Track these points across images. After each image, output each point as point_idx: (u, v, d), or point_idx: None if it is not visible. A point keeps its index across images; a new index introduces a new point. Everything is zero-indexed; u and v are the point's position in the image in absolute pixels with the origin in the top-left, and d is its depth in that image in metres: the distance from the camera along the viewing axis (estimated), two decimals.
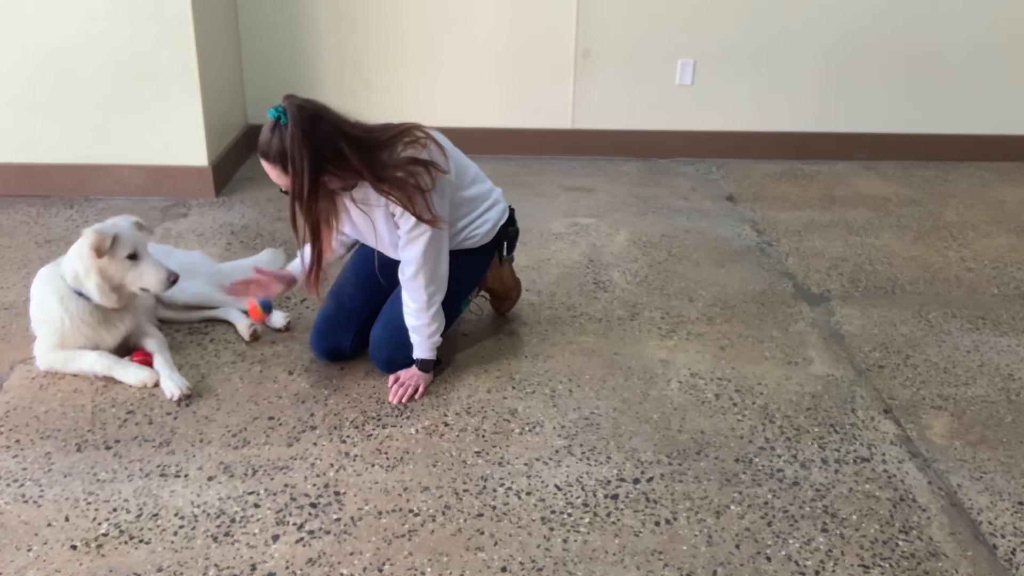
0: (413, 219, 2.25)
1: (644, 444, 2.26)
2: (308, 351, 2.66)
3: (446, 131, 2.45)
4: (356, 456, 2.19)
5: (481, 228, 2.52)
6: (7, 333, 2.75)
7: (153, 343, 2.57)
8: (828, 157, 4.61)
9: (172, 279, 2.48)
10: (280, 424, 2.32)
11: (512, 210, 2.66)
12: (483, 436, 2.28)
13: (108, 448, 2.20)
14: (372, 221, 2.34)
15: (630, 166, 4.49)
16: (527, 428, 2.32)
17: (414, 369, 2.46)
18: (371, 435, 2.27)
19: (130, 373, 2.46)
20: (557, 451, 2.22)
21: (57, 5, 3.61)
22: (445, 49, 4.41)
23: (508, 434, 2.29)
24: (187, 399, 2.40)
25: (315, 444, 2.24)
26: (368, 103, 4.45)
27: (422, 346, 2.43)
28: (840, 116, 4.57)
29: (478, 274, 2.62)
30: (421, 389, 2.45)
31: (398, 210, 2.26)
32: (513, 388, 2.50)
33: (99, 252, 2.37)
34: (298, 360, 2.62)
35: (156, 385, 2.45)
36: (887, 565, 1.87)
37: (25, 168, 3.88)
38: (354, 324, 2.57)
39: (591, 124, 4.57)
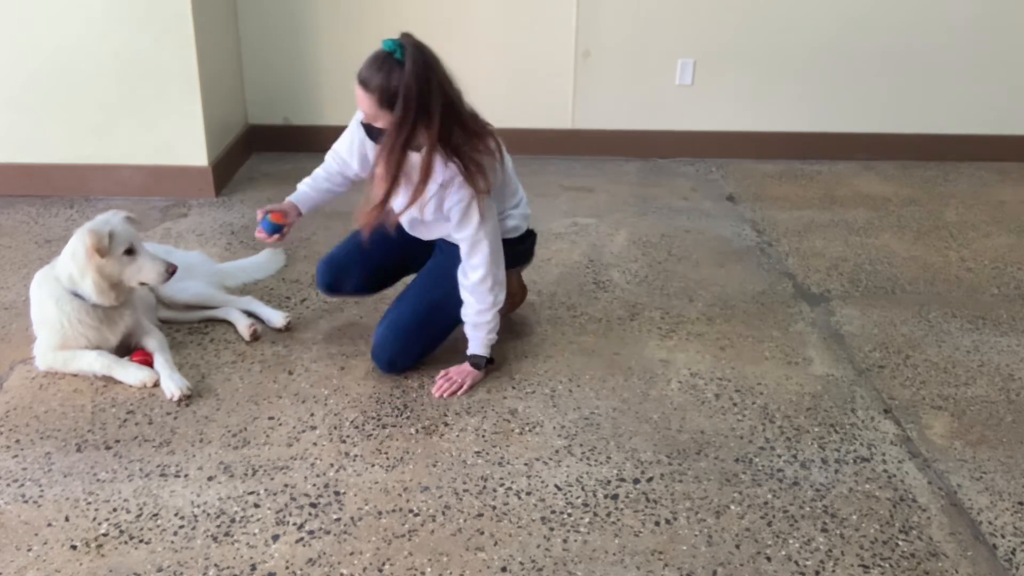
0: (473, 223, 2.28)
1: (644, 444, 2.26)
2: (308, 351, 2.66)
3: None
4: (356, 456, 2.19)
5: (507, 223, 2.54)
6: (7, 333, 2.75)
7: (153, 343, 2.57)
8: (828, 157, 4.61)
9: (170, 271, 2.49)
10: (280, 424, 2.32)
11: (532, 233, 2.69)
12: (483, 436, 2.28)
13: (108, 448, 2.20)
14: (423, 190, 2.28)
15: (630, 166, 4.49)
16: (527, 428, 2.32)
17: (465, 366, 2.48)
18: (371, 435, 2.28)
19: (130, 373, 2.46)
20: (557, 451, 2.22)
21: (57, 5, 3.61)
22: (445, 49, 4.39)
23: (508, 434, 2.29)
24: (187, 399, 2.40)
25: (315, 444, 2.24)
26: None
27: (479, 343, 2.45)
28: (840, 116, 4.57)
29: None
30: (467, 386, 2.46)
31: (455, 209, 2.28)
32: (513, 388, 2.50)
33: (101, 252, 2.37)
34: (298, 360, 2.62)
35: (156, 385, 2.45)
36: (887, 565, 1.87)
37: (25, 168, 3.88)
38: (364, 269, 2.61)
39: (591, 124, 4.57)
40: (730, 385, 2.53)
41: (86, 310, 2.46)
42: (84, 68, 3.71)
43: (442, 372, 2.49)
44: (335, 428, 2.30)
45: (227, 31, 4.22)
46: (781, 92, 4.52)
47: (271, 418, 2.34)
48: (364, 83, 2.14)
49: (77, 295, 2.45)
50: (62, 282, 2.46)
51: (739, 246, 3.52)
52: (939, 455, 2.24)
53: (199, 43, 3.71)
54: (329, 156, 2.60)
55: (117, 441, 2.23)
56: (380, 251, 2.56)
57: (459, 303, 2.46)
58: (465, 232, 2.31)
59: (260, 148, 4.53)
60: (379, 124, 2.19)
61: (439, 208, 2.33)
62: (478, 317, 2.42)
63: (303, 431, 2.29)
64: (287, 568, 1.83)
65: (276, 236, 2.49)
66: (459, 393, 2.44)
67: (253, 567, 1.84)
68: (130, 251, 2.44)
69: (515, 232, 2.58)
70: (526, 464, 2.17)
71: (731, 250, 3.48)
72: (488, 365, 2.51)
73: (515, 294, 2.82)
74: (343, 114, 4.48)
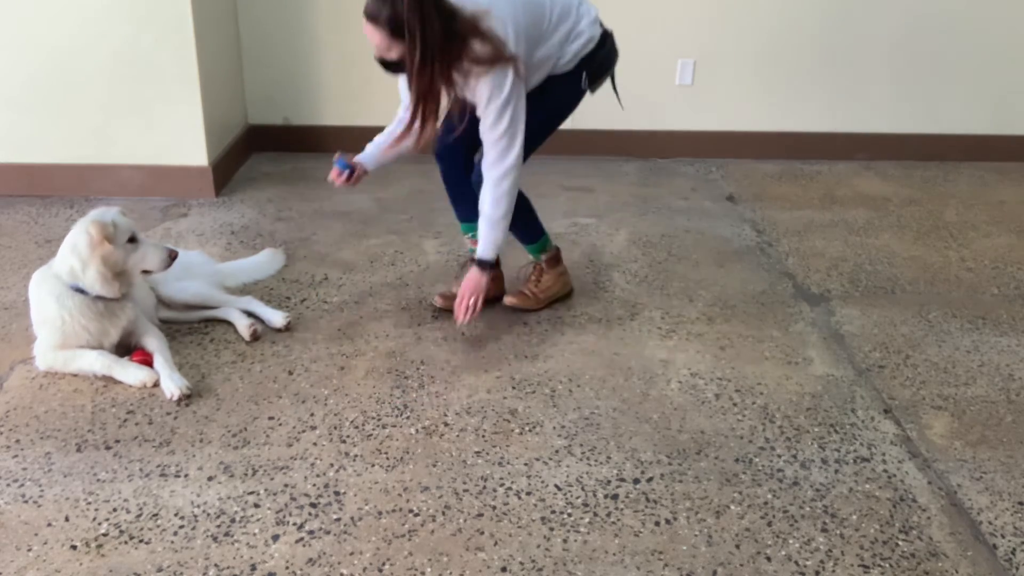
0: (492, 114, 2.38)
1: (644, 444, 2.26)
2: (308, 351, 2.66)
3: None
4: (356, 456, 2.19)
5: (561, 60, 2.56)
6: (7, 333, 2.75)
7: (153, 342, 2.57)
8: (828, 157, 4.61)
9: (172, 256, 2.53)
10: (280, 424, 2.32)
11: (606, 34, 2.65)
12: (483, 436, 2.28)
13: (108, 448, 2.20)
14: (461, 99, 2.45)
15: (630, 166, 4.49)
16: (527, 428, 2.32)
17: (471, 273, 2.56)
18: (371, 435, 2.28)
19: (129, 373, 2.46)
20: (557, 451, 2.22)
21: (57, 5, 3.61)
22: None
23: (508, 434, 2.29)
24: (187, 399, 2.40)
25: (315, 444, 2.24)
26: (369, 103, 4.45)
27: (487, 243, 2.53)
28: (840, 116, 4.57)
29: (559, 105, 2.66)
30: (480, 299, 2.55)
31: (480, 94, 2.37)
32: (513, 388, 2.50)
33: (109, 239, 2.38)
34: (298, 360, 2.62)
35: (156, 385, 2.45)
36: (887, 565, 1.87)
37: (25, 168, 3.88)
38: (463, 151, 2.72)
39: (591, 124, 4.56)
40: (730, 385, 2.53)
41: (87, 304, 2.46)
42: (84, 68, 3.71)
43: (457, 299, 2.58)
44: (335, 428, 2.30)
45: (227, 31, 4.22)
46: (781, 92, 4.52)
47: (271, 418, 2.34)
48: (373, 18, 2.25)
49: (79, 290, 2.45)
50: (62, 278, 2.46)
51: (739, 246, 3.52)
52: (939, 455, 2.24)
53: (199, 43, 3.71)
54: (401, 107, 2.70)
55: (117, 441, 2.23)
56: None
57: (531, 138, 2.52)
58: (487, 120, 2.41)
59: (260, 148, 4.53)
60: (392, 55, 2.30)
61: (476, 97, 2.41)
62: (490, 209, 2.48)
63: (303, 431, 2.29)
64: (287, 568, 1.83)
65: (345, 175, 2.65)
66: (478, 309, 2.58)
67: (253, 567, 1.84)
68: (132, 239, 2.47)
69: (591, 43, 2.57)
70: (526, 464, 2.17)
71: (731, 250, 3.48)
72: (491, 270, 2.57)
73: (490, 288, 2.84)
74: (343, 114, 4.53)
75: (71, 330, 2.47)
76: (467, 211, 2.76)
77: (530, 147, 2.56)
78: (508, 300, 2.88)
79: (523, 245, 2.92)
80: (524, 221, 2.81)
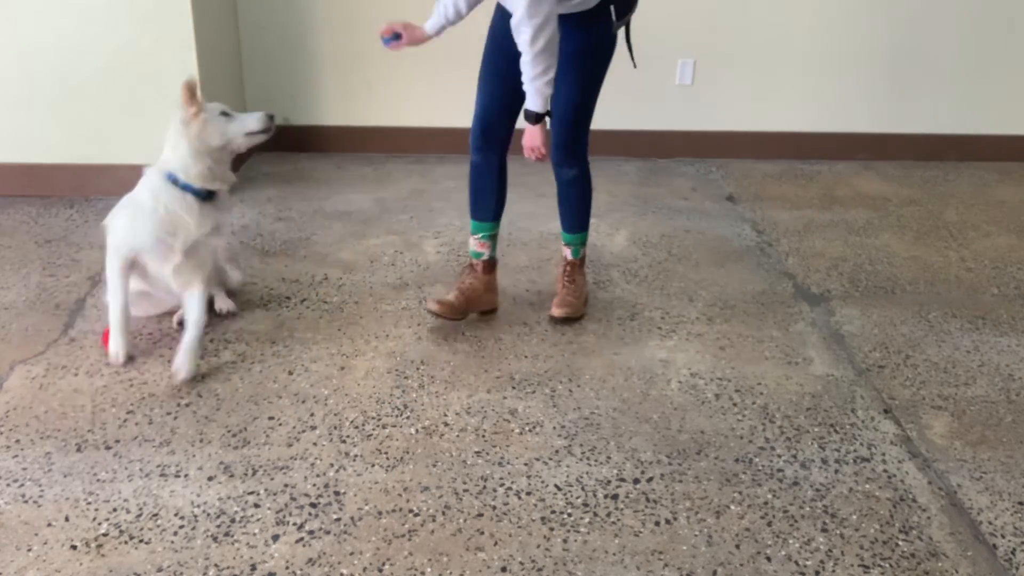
0: None
1: (644, 444, 2.26)
2: (308, 351, 2.66)
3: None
4: (356, 456, 2.19)
5: None
6: (7, 333, 2.75)
7: (196, 306, 2.55)
8: (828, 157, 4.61)
9: (271, 117, 2.61)
10: (280, 424, 2.32)
11: None
12: (483, 436, 2.28)
13: (108, 448, 2.20)
14: None
15: (630, 166, 4.49)
16: (527, 428, 2.32)
17: (527, 130, 2.55)
18: (371, 435, 2.28)
19: (113, 340, 2.51)
20: (557, 451, 2.22)
21: (57, 5, 3.61)
22: (446, 49, 4.40)
23: (508, 434, 2.29)
24: (189, 383, 2.43)
25: (315, 444, 2.24)
26: (368, 103, 4.45)
27: (533, 98, 2.50)
28: (840, 116, 4.57)
29: (600, 44, 2.67)
30: (540, 146, 2.57)
31: None
32: (513, 388, 2.50)
33: (191, 90, 2.47)
34: (298, 360, 2.62)
35: (128, 363, 2.51)
36: (887, 565, 1.87)
37: (25, 168, 3.88)
38: (504, 115, 2.73)
39: (591, 124, 4.56)
40: (730, 385, 2.53)
41: (180, 197, 2.50)
42: (84, 68, 3.71)
43: (525, 153, 2.61)
44: (335, 428, 2.30)
45: (227, 31, 4.22)
46: (781, 92, 4.52)
47: (271, 418, 2.34)
48: None
49: (176, 183, 2.49)
50: (160, 168, 2.52)
51: (739, 246, 3.52)
52: (939, 455, 2.24)
53: (199, 43, 3.71)
54: None
55: (117, 441, 2.23)
56: (500, 89, 2.69)
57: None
58: None
59: (260, 148, 4.49)
60: None
61: None
62: (528, 68, 2.46)
63: (303, 431, 2.29)
64: (287, 568, 1.83)
65: (395, 43, 2.73)
66: (544, 157, 2.62)
67: (253, 567, 1.84)
68: (225, 114, 2.54)
69: None
70: (526, 464, 2.17)
71: (731, 250, 3.48)
72: (540, 120, 2.57)
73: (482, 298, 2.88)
74: (343, 114, 4.54)
75: (158, 219, 2.48)
76: (485, 211, 2.82)
77: (588, 99, 2.67)
78: (557, 312, 2.86)
79: (567, 234, 2.94)
80: (580, 206, 2.90)
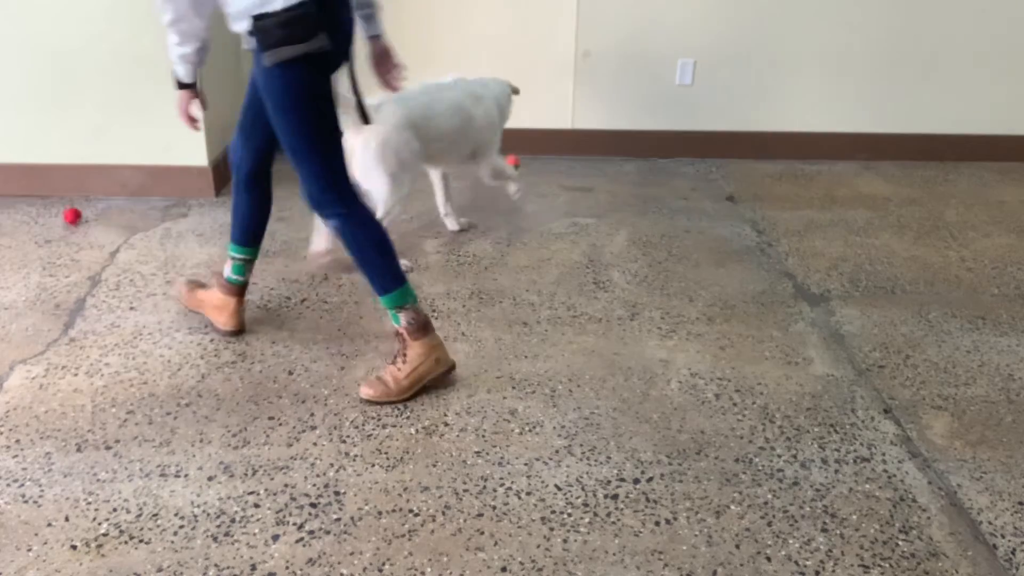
0: None
1: (644, 444, 2.26)
2: (308, 351, 2.66)
3: None
4: (356, 456, 2.19)
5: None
6: (7, 333, 2.75)
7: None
8: (828, 157, 4.61)
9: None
10: (280, 424, 2.32)
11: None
12: (483, 436, 2.28)
13: (108, 448, 2.20)
14: None
15: (630, 166, 4.49)
16: (527, 428, 2.32)
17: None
18: (371, 435, 2.28)
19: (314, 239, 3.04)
20: (557, 451, 2.22)
21: (57, 5, 3.61)
22: (446, 49, 4.41)
23: (508, 434, 2.29)
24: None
25: (315, 444, 2.24)
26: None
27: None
28: (840, 116, 4.57)
29: (270, 86, 2.32)
30: (182, 112, 2.69)
31: None
32: (513, 388, 2.50)
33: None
34: (298, 360, 2.62)
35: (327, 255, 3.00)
36: (887, 565, 1.87)
37: (25, 168, 3.88)
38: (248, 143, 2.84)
39: (591, 124, 4.57)
40: (730, 385, 2.53)
41: None
42: (84, 68, 3.71)
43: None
44: (335, 428, 2.30)
45: (227, 31, 4.20)
46: (781, 92, 4.52)
47: (271, 418, 2.34)
48: None
49: None
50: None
51: (739, 246, 3.52)
52: (939, 455, 2.24)
53: None
54: None
55: (117, 441, 2.23)
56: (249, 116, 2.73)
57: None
58: None
59: None
60: None
61: None
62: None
63: (303, 431, 2.29)
64: (287, 568, 1.83)
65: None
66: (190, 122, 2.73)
67: (253, 567, 1.84)
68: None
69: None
70: (526, 464, 2.17)
71: (731, 250, 3.48)
72: (183, 87, 2.65)
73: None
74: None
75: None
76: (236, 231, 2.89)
77: (293, 142, 2.39)
78: (362, 391, 2.40)
79: (376, 296, 2.41)
80: (364, 263, 2.35)
